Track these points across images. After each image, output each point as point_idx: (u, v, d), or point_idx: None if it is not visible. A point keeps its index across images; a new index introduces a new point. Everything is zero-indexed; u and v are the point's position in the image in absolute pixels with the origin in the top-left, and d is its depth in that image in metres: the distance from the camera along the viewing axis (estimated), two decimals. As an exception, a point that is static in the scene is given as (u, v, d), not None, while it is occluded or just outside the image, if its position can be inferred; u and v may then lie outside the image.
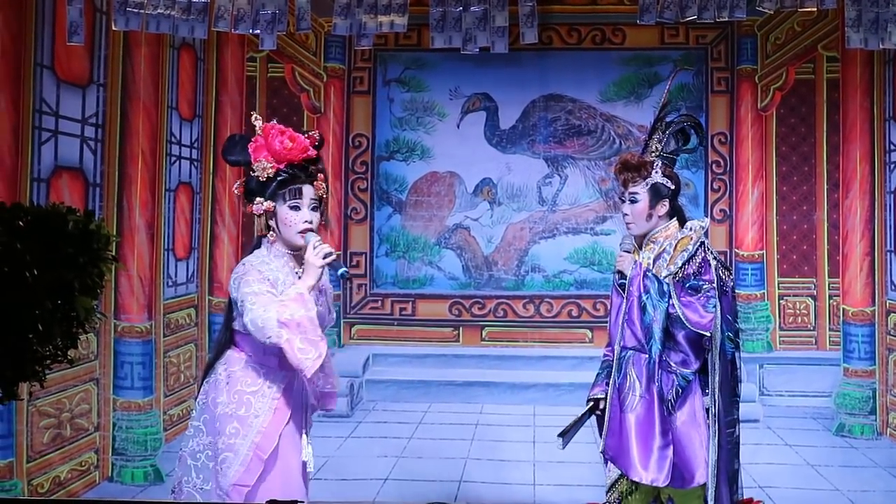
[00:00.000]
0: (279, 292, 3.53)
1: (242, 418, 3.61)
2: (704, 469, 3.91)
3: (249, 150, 3.67)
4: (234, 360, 3.67)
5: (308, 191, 3.63)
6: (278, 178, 3.63)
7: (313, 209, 3.64)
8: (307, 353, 3.42)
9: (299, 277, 3.59)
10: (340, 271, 3.53)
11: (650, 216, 4.02)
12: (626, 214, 4.05)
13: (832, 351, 6.19)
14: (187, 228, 6.17)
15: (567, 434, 4.01)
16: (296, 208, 3.62)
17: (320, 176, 3.67)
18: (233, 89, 6.30)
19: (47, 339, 2.61)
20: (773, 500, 5.53)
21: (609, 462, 4.05)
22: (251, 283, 3.54)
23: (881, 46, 4.95)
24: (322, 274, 3.55)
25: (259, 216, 3.67)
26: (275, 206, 3.64)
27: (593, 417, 4.12)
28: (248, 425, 3.60)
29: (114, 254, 2.98)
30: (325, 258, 3.50)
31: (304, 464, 3.67)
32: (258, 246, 3.73)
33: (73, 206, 2.66)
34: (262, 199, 3.63)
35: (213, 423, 3.63)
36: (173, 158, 6.12)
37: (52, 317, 2.57)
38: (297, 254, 3.63)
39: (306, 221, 3.61)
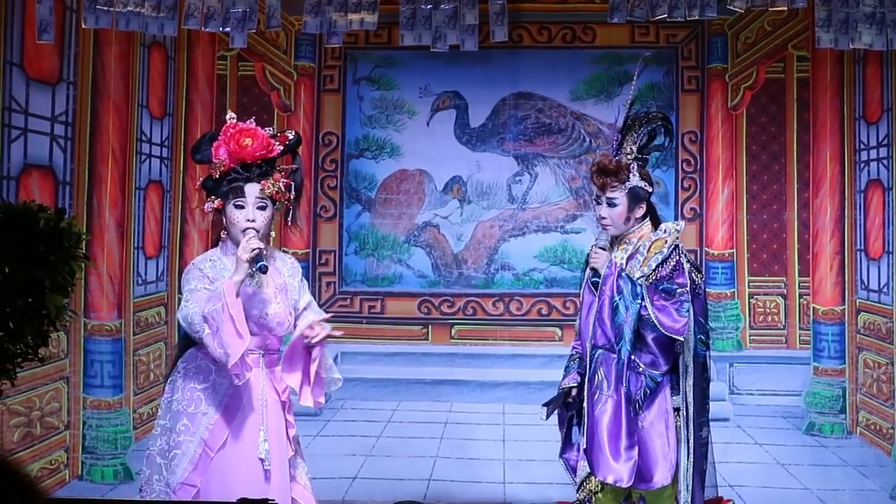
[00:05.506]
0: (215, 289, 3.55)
1: (192, 415, 3.63)
2: (666, 470, 3.91)
3: (212, 148, 3.69)
4: (191, 357, 3.71)
5: (252, 189, 3.64)
6: (227, 177, 3.65)
7: (259, 208, 3.65)
8: (225, 346, 3.43)
9: (252, 276, 3.60)
10: (258, 265, 3.51)
11: (628, 219, 4.04)
12: (603, 217, 4.04)
13: (802, 350, 6.16)
14: (157, 227, 6.15)
15: (551, 405, 4.05)
16: (240, 207, 3.64)
17: (276, 175, 3.68)
18: (203, 88, 6.28)
19: (18, 337, 2.61)
20: (743, 498, 5.51)
21: (577, 461, 4.05)
22: (190, 281, 3.61)
23: (851, 46, 4.96)
24: (251, 268, 3.51)
25: (209, 213, 3.71)
26: (224, 205, 3.66)
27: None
28: (198, 422, 3.62)
29: (84, 252, 2.98)
30: (251, 253, 3.49)
31: (263, 461, 3.66)
32: (216, 245, 3.76)
33: (44, 204, 2.65)
34: (214, 198, 3.66)
35: (172, 421, 3.65)
36: (143, 157, 6.12)
37: (23, 315, 2.57)
38: None
39: (248, 220, 3.62)
